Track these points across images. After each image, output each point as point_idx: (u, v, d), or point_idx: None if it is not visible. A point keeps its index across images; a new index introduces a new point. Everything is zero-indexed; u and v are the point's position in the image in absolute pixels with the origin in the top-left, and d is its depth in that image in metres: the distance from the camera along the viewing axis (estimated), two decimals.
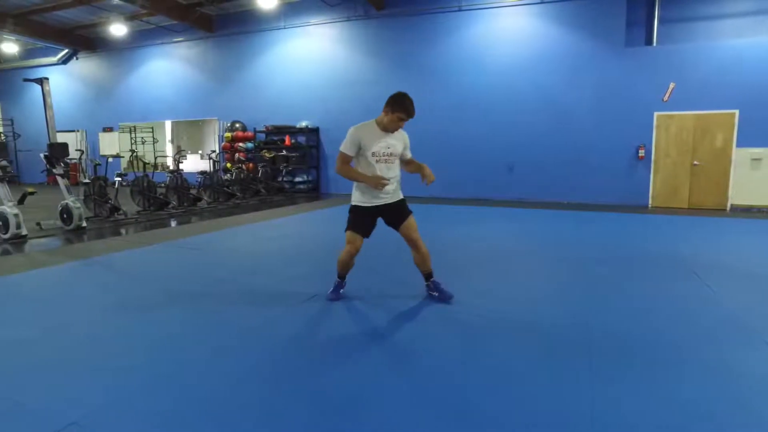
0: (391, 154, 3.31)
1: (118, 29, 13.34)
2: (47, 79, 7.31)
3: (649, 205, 9.65)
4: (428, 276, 3.56)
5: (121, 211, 7.88)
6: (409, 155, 3.50)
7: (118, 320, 3.20)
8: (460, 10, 10.85)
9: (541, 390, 2.22)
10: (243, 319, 3.19)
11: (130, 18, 13.47)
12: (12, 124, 17.22)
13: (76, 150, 8.18)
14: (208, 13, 13.24)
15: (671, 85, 9.36)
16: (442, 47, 11.13)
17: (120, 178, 7.81)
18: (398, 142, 3.35)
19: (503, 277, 4.31)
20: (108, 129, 15.97)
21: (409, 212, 3.45)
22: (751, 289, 3.86)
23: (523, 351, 2.67)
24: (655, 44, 9.61)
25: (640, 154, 9.57)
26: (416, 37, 11.34)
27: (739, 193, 9.13)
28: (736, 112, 8.97)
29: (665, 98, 9.42)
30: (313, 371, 2.42)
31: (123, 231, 6.97)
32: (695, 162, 9.30)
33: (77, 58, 16.16)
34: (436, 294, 3.53)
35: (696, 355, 2.60)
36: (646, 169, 9.64)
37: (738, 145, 9.03)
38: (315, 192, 12.83)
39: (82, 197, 7.72)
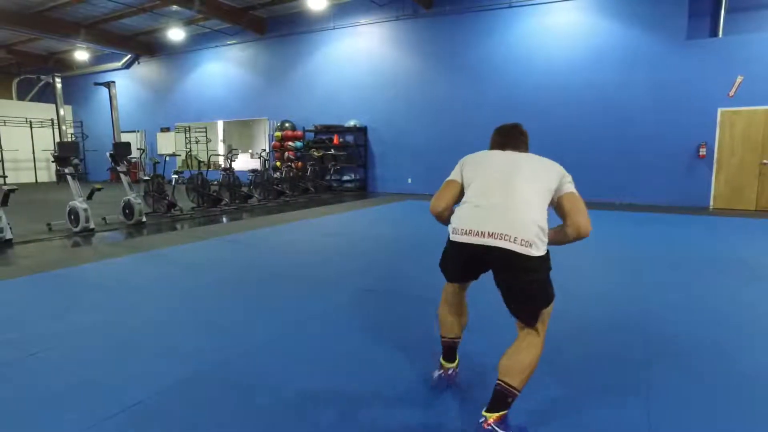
0: None
1: (175, 34, 14.00)
2: (114, 82, 7.79)
3: (710, 207, 9.13)
4: None
5: (177, 207, 8.27)
6: None
7: (182, 307, 3.38)
8: (510, 7, 10.65)
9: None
10: (299, 309, 3.29)
11: (187, 23, 14.11)
12: (81, 125, 18.47)
13: (138, 149, 8.62)
14: (259, 15, 13.66)
15: (738, 79, 8.81)
16: (491, 46, 10.96)
17: (176, 176, 8.18)
18: None
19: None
20: (165, 129, 16.79)
21: None
22: None
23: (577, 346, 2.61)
24: (720, 35, 9.07)
25: (701, 153, 9.06)
26: (465, 36, 11.24)
27: None
28: None
29: (731, 93, 8.87)
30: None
31: (179, 226, 7.32)
32: (765, 161, 8.71)
33: (139, 63, 17.09)
34: None
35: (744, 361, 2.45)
36: (708, 168, 9.12)
37: None
38: (362, 190, 12.97)
39: (142, 193, 8.16)
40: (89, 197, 6.77)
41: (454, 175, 2.14)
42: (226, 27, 14.16)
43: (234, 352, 2.60)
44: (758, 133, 8.72)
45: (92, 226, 6.68)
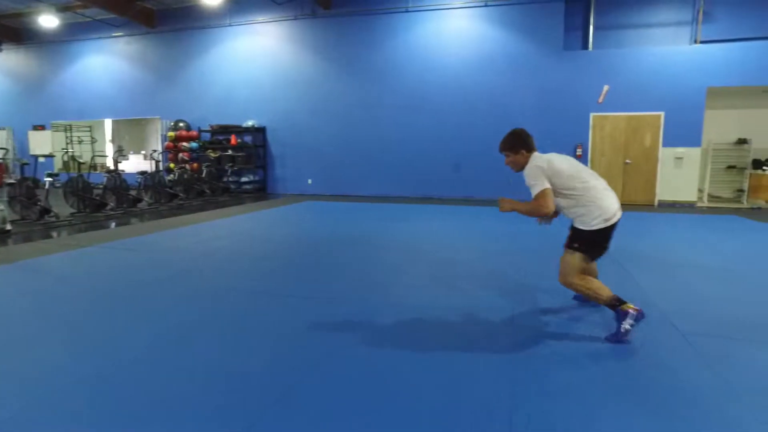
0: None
1: (48, 20, 12.58)
2: None
3: None
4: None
5: (52, 214, 7.45)
6: (532, 193, 2.93)
7: (43, 323, 3.04)
8: (407, 11, 11.00)
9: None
10: (171, 318, 3.12)
11: (62, 9, 12.75)
12: None
13: (0, 149, 7.62)
14: (148, 7, 12.74)
15: (605, 88, 9.91)
16: (389, 48, 11.24)
17: (51, 179, 7.37)
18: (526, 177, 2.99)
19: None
20: (39, 127, 15.03)
21: (569, 246, 2.97)
22: (665, 276, 4.17)
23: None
24: (591, 48, 10.14)
25: (577, 153, 10.06)
26: (364, 38, 11.41)
27: (664, 190, 9.78)
28: (662, 113, 9.62)
29: (600, 100, 9.95)
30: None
31: (54, 234, 6.60)
32: (627, 160, 9.89)
33: (1, 50, 15.09)
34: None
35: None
36: None
37: (664, 145, 9.68)
38: (262, 192, 12.62)
39: (6, 199, 7.24)
40: None
41: (544, 183, 2.84)
42: (110, 17, 13.01)
43: (98, 369, 2.41)
44: (621, 136, 9.88)
45: None
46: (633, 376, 2.32)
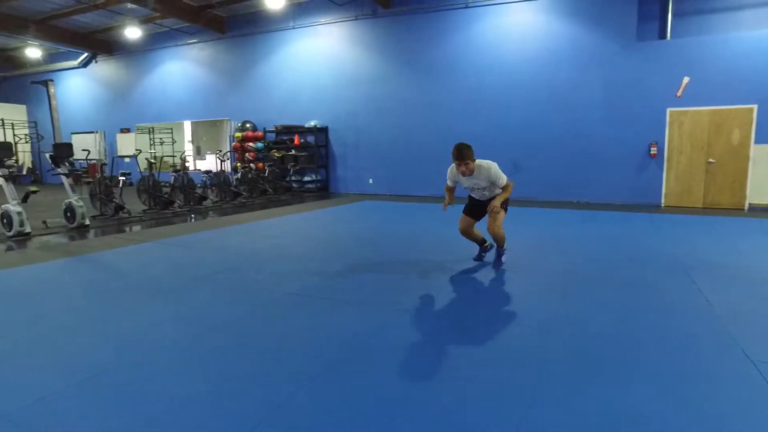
0: (480, 188, 4.34)
1: (132, 32, 13.62)
2: (51, 80, 7.57)
3: (662, 204, 9.33)
4: (487, 247, 4.70)
5: (125, 210, 8.02)
6: (500, 185, 4.25)
7: (87, 315, 3.23)
8: (467, 7, 10.70)
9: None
10: (210, 315, 3.18)
11: (144, 21, 13.75)
12: (36, 126, 17.83)
13: (83, 150, 8.32)
14: (219, 14, 13.41)
15: (685, 80, 9.03)
16: (449, 45, 11.00)
17: (124, 178, 7.93)
18: (481, 180, 4.20)
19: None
20: (125, 130, 16.34)
21: (503, 207, 4.31)
22: (742, 293, 3.66)
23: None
24: (669, 38, 9.29)
25: (652, 152, 9.26)
26: (423, 35, 11.25)
27: (757, 192, 8.74)
28: (755, 107, 8.59)
29: (678, 94, 9.09)
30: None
31: (126, 229, 7.09)
32: (710, 160, 8.94)
33: (96, 61, 16.58)
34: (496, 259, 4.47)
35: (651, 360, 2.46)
36: (659, 167, 9.32)
37: (757, 142, 8.65)
38: (324, 191, 12.85)
39: (86, 196, 7.88)
40: (24, 200, 6.48)
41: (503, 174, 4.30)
42: (185, 26, 13.86)
43: (123, 361, 2.49)
44: (704, 133, 8.95)
45: (28, 230, 6.40)
46: (695, 404, 2.01)
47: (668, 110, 9.17)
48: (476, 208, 4.51)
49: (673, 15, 9.25)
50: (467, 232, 4.53)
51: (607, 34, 9.51)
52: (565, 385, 2.20)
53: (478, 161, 4.10)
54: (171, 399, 2.09)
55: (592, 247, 5.46)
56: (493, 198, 4.30)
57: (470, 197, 4.56)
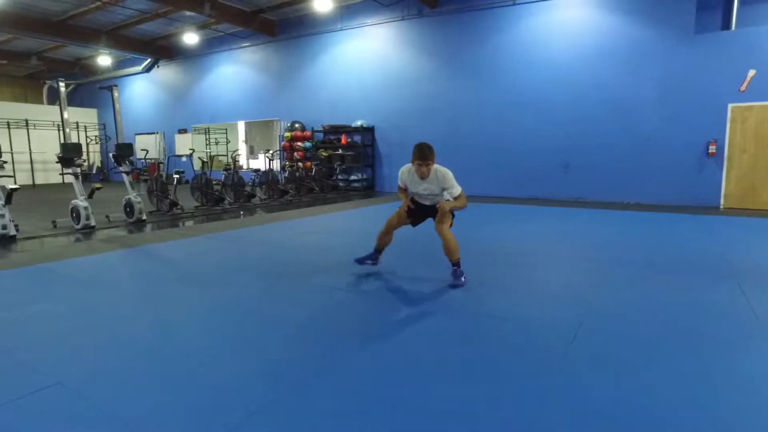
0: (432, 194, 4.02)
1: (190, 38, 14.39)
2: (116, 86, 8.10)
3: (721, 206, 8.80)
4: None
5: (179, 206, 8.52)
6: (454, 194, 3.95)
7: (140, 302, 3.52)
8: (514, 5, 10.52)
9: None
10: (246, 305, 3.37)
11: (200, 27, 14.48)
12: (104, 128, 19.18)
13: (141, 150, 8.91)
14: (269, 18, 13.90)
15: (751, 73, 8.46)
16: (496, 43, 10.86)
17: (178, 175, 8.43)
18: (435, 185, 3.96)
19: (519, 273, 4.19)
20: (182, 131, 17.26)
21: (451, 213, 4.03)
22: None
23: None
24: (733, 28, 8.72)
25: (710, 151, 8.75)
26: (470, 34, 11.16)
27: None
28: None
29: (743, 88, 8.53)
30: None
31: (179, 224, 7.55)
32: None
33: (158, 66, 17.63)
34: (452, 279, 3.94)
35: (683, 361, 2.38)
36: (718, 166, 8.79)
37: None
38: (370, 190, 13.04)
39: (144, 193, 8.43)
40: (90, 196, 7.05)
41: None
42: (238, 30, 14.46)
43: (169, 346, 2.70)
44: None
45: (93, 223, 6.95)
46: (725, 417, 1.95)
47: (730, 106, 8.62)
48: (419, 213, 4.23)
49: (740, 2, 8.68)
50: (391, 228, 4.26)
51: (662, 27, 9.06)
52: (587, 380, 2.19)
53: (435, 165, 3.92)
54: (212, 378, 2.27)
55: (638, 246, 5.26)
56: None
57: (414, 201, 4.22)
